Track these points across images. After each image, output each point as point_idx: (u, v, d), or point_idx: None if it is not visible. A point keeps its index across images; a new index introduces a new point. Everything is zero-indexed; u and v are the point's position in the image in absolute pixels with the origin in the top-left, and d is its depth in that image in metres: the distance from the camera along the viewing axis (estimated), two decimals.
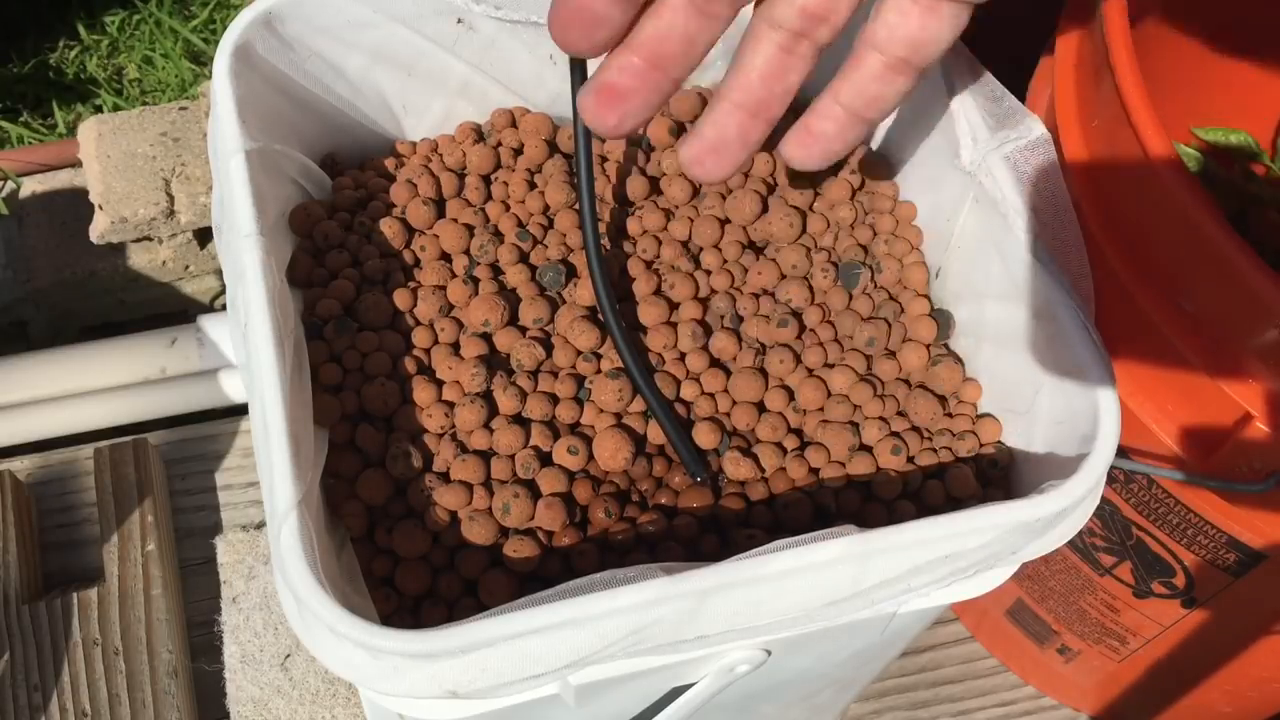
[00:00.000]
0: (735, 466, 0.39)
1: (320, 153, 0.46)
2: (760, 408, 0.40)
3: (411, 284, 0.42)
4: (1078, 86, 0.47)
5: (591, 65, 0.42)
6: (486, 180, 0.45)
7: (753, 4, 0.31)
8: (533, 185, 0.45)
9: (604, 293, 0.39)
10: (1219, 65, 0.59)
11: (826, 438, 0.40)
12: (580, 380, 0.40)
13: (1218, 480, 0.45)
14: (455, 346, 0.41)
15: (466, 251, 0.43)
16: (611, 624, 0.31)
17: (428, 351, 0.41)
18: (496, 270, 0.43)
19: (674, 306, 0.42)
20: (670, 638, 0.33)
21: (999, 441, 0.40)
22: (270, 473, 0.33)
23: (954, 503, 0.39)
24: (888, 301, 0.43)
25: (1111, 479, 0.52)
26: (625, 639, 0.31)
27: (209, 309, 0.91)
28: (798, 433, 0.40)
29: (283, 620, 0.68)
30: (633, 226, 0.44)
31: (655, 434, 0.39)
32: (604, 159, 0.46)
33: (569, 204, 0.44)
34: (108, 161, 0.82)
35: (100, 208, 0.81)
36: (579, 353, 0.41)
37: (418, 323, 0.41)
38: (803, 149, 0.33)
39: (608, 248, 0.43)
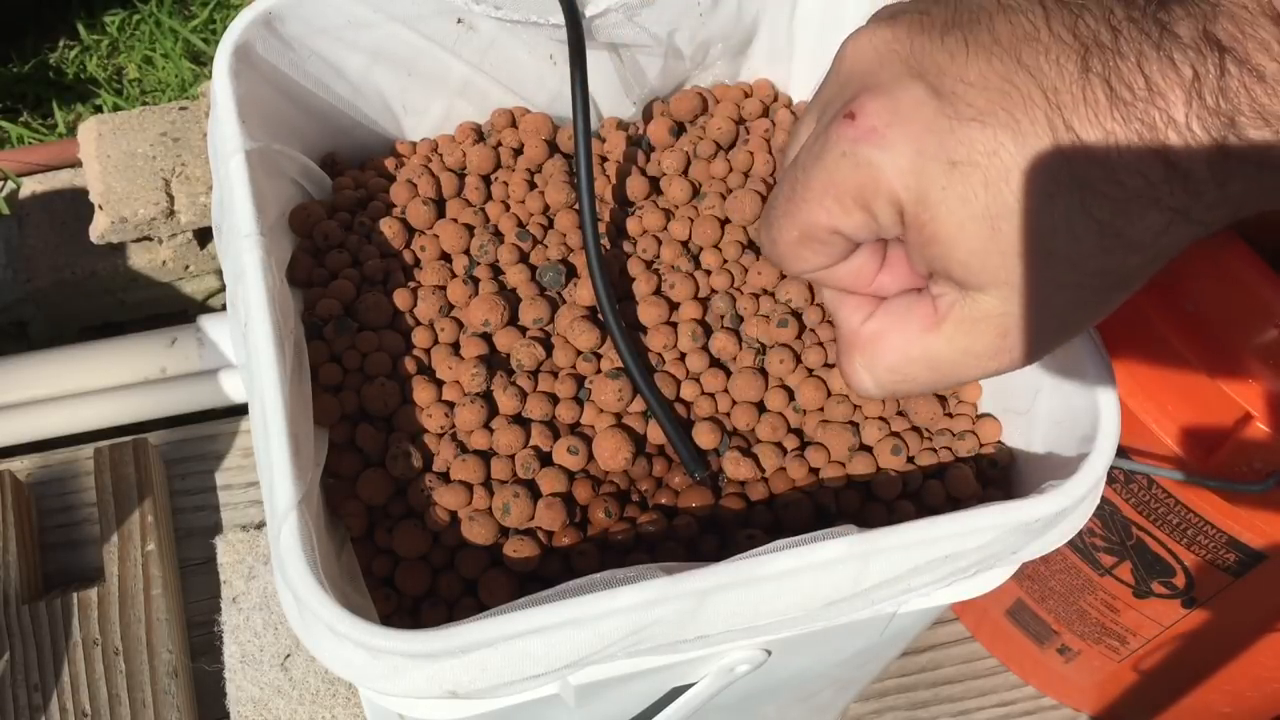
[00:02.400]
0: (735, 466, 0.39)
1: (320, 153, 0.46)
2: (760, 408, 0.40)
3: (411, 284, 0.42)
4: None
5: (590, 57, 0.42)
6: (486, 180, 0.45)
7: None
8: (533, 185, 0.45)
9: (604, 293, 0.39)
10: None
11: (826, 438, 0.40)
12: (580, 380, 0.40)
13: (1218, 480, 0.45)
14: (455, 346, 0.41)
15: (466, 251, 0.43)
16: (611, 624, 0.31)
17: (428, 351, 0.41)
18: (496, 270, 0.43)
19: (674, 306, 0.42)
20: (670, 638, 0.33)
21: (999, 441, 0.40)
22: (270, 473, 0.33)
23: (954, 503, 0.39)
24: None
25: (1111, 479, 0.52)
26: (625, 639, 0.31)
27: (209, 309, 0.92)
28: (798, 433, 0.40)
29: (283, 620, 0.68)
30: (633, 226, 0.44)
31: (655, 434, 0.39)
32: (604, 159, 0.46)
33: (569, 204, 0.44)
34: (108, 161, 0.82)
35: (100, 208, 0.81)
36: (579, 353, 0.41)
37: (418, 323, 0.41)
38: None
39: (608, 248, 0.43)
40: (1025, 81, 0.27)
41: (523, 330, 0.41)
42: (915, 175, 0.27)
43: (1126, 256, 0.27)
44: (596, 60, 0.45)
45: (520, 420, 0.39)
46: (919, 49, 0.28)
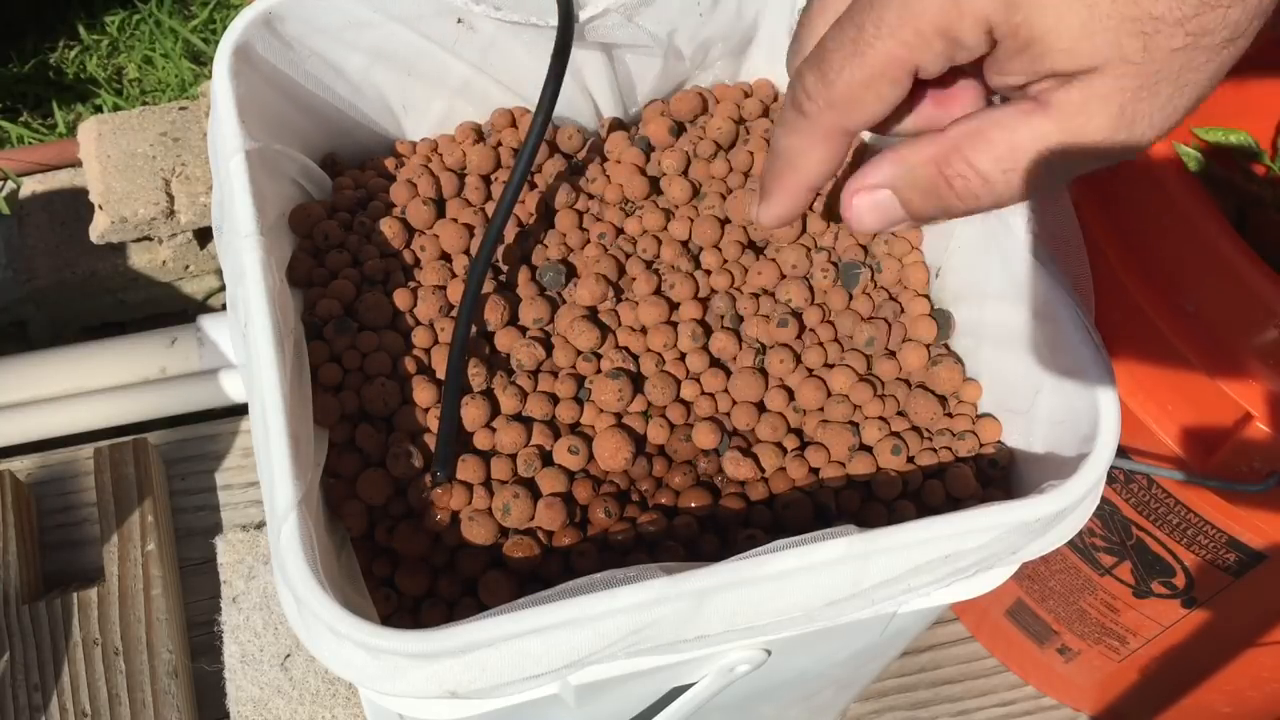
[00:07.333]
0: (735, 466, 0.39)
1: (320, 153, 0.46)
2: (760, 408, 0.40)
3: (411, 284, 0.42)
4: None
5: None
6: (486, 180, 0.45)
7: None
8: (533, 185, 0.45)
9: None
10: None
11: (826, 438, 0.40)
12: (580, 380, 0.40)
13: (1218, 480, 0.45)
14: None
15: (466, 251, 0.43)
16: (611, 624, 0.31)
17: (428, 351, 0.41)
18: (496, 270, 0.43)
19: (674, 306, 0.42)
20: (670, 638, 0.33)
21: (999, 441, 0.40)
22: (270, 473, 0.33)
23: (954, 503, 0.39)
24: (888, 301, 0.43)
25: (1111, 479, 0.52)
26: (625, 639, 0.31)
27: (209, 309, 0.92)
28: (798, 433, 0.40)
29: (283, 620, 0.68)
30: (632, 226, 0.44)
31: (655, 434, 0.39)
32: (605, 159, 0.46)
33: (569, 204, 0.44)
34: (108, 161, 0.82)
35: (100, 208, 0.81)
36: (579, 353, 0.41)
37: (418, 323, 0.41)
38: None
39: (607, 248, 0.43)
40: None
41: (523, 330, 0.41)
42: None
43: (1228, 10, 0.27)
44: (596, 61, 0.45)
45: (520, 420, 0.39)
46: None
